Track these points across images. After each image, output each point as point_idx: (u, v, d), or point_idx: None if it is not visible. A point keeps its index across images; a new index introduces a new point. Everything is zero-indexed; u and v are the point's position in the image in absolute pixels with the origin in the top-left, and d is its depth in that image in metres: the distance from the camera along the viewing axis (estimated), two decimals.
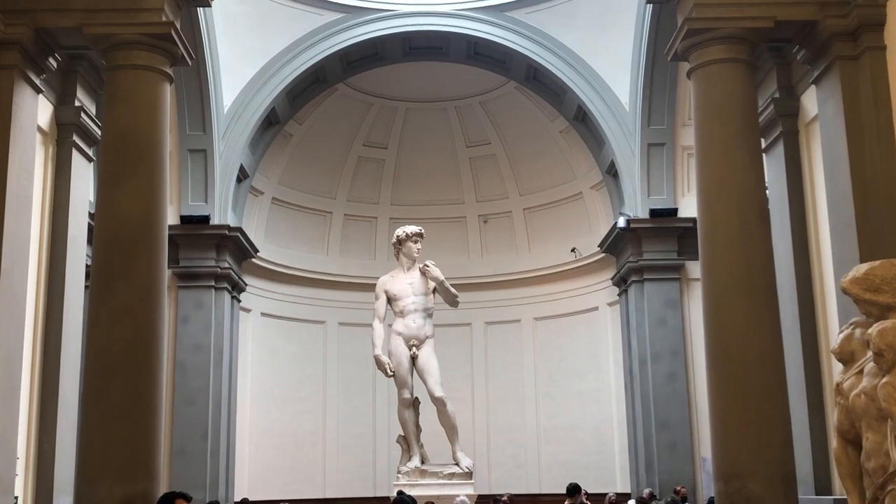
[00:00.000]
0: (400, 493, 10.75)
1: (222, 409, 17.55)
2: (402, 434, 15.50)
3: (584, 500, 13.09)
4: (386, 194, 21.88)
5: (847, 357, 6.34)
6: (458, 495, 11.67)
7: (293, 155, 20.41)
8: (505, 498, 13.87)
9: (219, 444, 17.29)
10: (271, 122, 19.27)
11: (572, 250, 20.54)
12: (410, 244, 15.75)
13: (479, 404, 21.51)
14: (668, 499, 13.13)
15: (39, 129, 10.92)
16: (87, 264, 11.91)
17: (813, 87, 10.73)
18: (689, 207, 16.62)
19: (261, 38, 17.88)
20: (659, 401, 17.14)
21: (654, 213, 17.66)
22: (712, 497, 10.99)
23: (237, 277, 18.57)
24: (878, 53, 9.87)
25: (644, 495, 15.84)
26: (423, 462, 15.14)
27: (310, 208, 21.18)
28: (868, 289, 6.17)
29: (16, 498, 10.06)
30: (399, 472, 15.11)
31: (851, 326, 6.42)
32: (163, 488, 9.67)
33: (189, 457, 16.68)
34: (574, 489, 12.47)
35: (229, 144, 17.90)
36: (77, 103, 11.57)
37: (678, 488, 15.24)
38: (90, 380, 9.65)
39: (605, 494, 16.74)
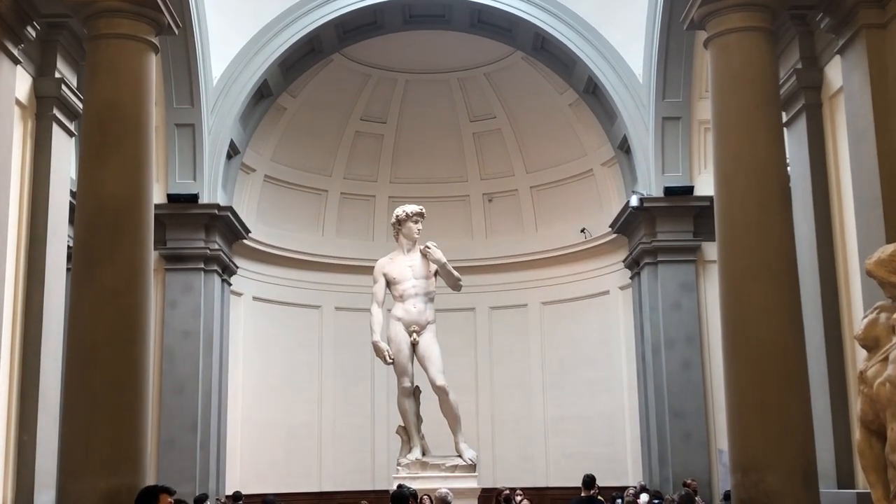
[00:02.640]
0: (400, 486, 10.78)
1: (212, 398, 17.62)
2: (402, 425, 15.56)
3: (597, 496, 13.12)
4: (385, 171, 21.86)
5: (871, 343, 6.34)
6: (439, 488, 11.69)
7: (286, 130, 20.39)
8: (507, 492, 13.90)
9: (209, 436, 17.36)
10: (263, 95, 19.24)
11: (582, 231, 20.54)
12: (411, 224, 15.75)
13: (484, 393, 21.57)
14: (682, 493, 13.15)
15: (17, 102, 10.89)
16: (68, 245, 11.93)
17: (838, 58, 10.68)
18: (705, 185, 16.61)
19: (252, 5, 17.83)
20: (673, 390, 17.18)
21: (669, 192, 17.64)
22: (728, 491, 11.03)
23: (227, 259, 18.59)
24: None
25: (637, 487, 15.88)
26: (423, 454, 15.20)
27: (304, 186, 21.17)
28: (894, 271, 6.17)
29: None
30: (399, 465, 15.17)
31: (876, 311, 6.42)
32: (149, 482, 9.71)
33: (177, 449, 16.75)
34: (590, 481, 12.51)
35: (219, 119, 17.87)
36: (57, 75, 11.54)
37: (688, 481, 15.29)
38: (72, 368, 9.67)
39: (617, 488, 16.80)
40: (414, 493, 10.73)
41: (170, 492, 6.37)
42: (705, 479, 16.58)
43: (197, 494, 15.49)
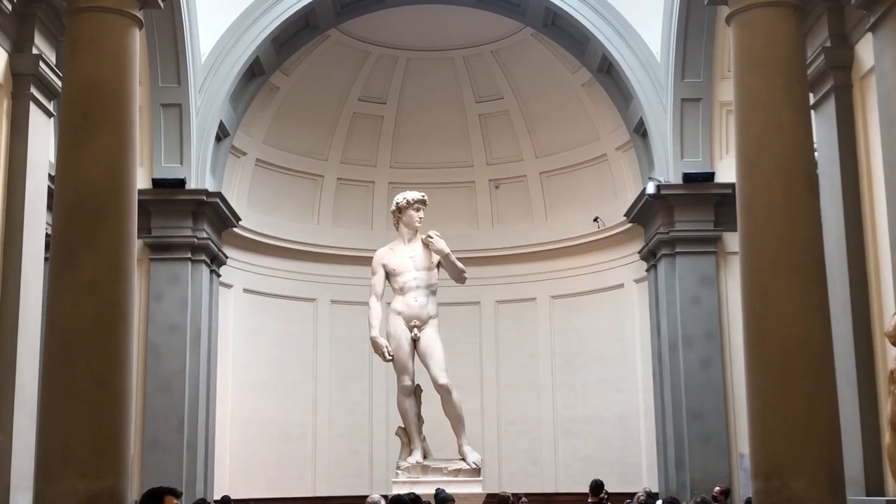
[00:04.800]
0: (439, 490, 10.92)
1: (200, 396, 17.65)
2: (402, 426, 15.57)
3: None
4: (384, 156, 21.85)
5: None
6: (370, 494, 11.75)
7: (280, 111, 20.38)
8: (519, 500, 13.95)
9: (196, 436, 17.39)
10: (255, 74, 19.22)
11: (595, 220, 20.53)
12: (412, 212, 15.74)
13: (489, 393, 21.60)
14: (697, 500, 13.16)
15: None
16: (46, 234, 11.92)
17: (869, 35, 10.64)
18: (727, 172, 16.57)
19: None
20: (691, 389, 17.20)
21: (688, 178, 17.63)
22: (749, 498, 11.04)
23: (216, 249, 18.60)
24: None
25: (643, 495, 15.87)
26: (425, 457, 15.22)
27: (298, 171, 21.17)
28: None
29: None
30: (398, 468, 15.19)
31: None
32: (133, 484, 9.74)
33: (163, 450, 16.79)
34: (597, 487, 12.55)
35: (207, 99, 17.87)
36: (35, 51, 11.50)
37: (716, 490, 15.17)
38: (51, 364, 9.67)
39: (631, 494, 16.82)
40: (451, 498, 10.78)
41: (175, 493, 6.36)
42: (725, 485, 16.57)
43: (196, 500, 15.53)
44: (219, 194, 18.15)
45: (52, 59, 11.90)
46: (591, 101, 20.27)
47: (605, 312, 20.65)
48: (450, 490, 13.91)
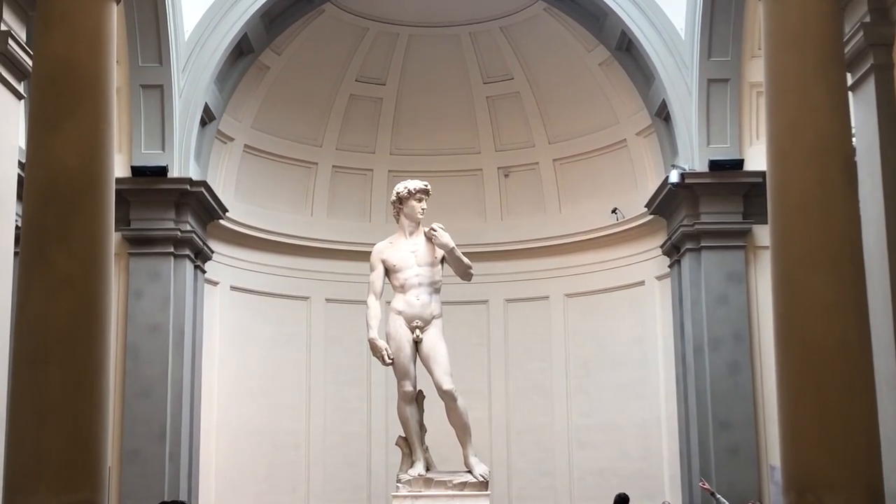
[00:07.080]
0: None
1: (183, 402, 17.68)
2: (403, 435, 15.58)
3: None
4: (384, 142, 21.86)
5: None
6: None
7: (270, 92, 20.39)
8: None
9: (179, 446, 17.43)
10: (243, 52, 19.25)
11: (613, 211, 20.52)
12: (414, 203, 15.73)
13: (497, 399, 21.61)
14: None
15: None
16: (16, 226, 11.94)
17: None
18: (757, 159, 16.59)
19: None
20: (718, 396, 17.21)
21: (715, 166, 17.64)
22: None
23: (201, 243, 18.62)
24: None
25: None
26: (427, 469, 15.22)
27: (290, 158, 21.18)
28: None
29: None
30: (399, 481, 15.19)
31: None
32: (111, 498, 9.75)
33: (143, 460, 16.83)
34: (623, 501, 12.57)
35: (191, 79, 17.89)
36: (3, 27, 11.53)
37: None
38: (21, 367, 9.68)
39: None
40: None
41: None
42: (757, 500, 16.60)
43: None
44: (204, 183, 18.16)
45: (22, 36, 11.90)
46: (609, 81, 20.25)
47: (625, 312, 20.64)
48: None
